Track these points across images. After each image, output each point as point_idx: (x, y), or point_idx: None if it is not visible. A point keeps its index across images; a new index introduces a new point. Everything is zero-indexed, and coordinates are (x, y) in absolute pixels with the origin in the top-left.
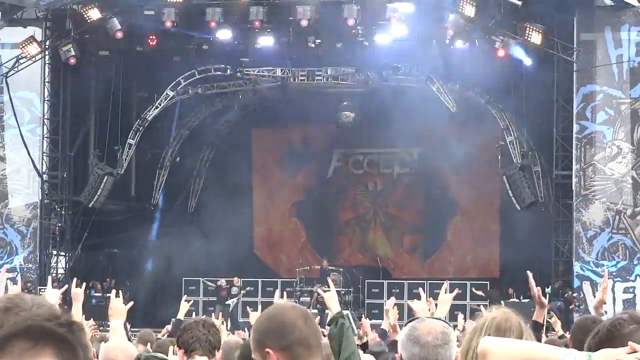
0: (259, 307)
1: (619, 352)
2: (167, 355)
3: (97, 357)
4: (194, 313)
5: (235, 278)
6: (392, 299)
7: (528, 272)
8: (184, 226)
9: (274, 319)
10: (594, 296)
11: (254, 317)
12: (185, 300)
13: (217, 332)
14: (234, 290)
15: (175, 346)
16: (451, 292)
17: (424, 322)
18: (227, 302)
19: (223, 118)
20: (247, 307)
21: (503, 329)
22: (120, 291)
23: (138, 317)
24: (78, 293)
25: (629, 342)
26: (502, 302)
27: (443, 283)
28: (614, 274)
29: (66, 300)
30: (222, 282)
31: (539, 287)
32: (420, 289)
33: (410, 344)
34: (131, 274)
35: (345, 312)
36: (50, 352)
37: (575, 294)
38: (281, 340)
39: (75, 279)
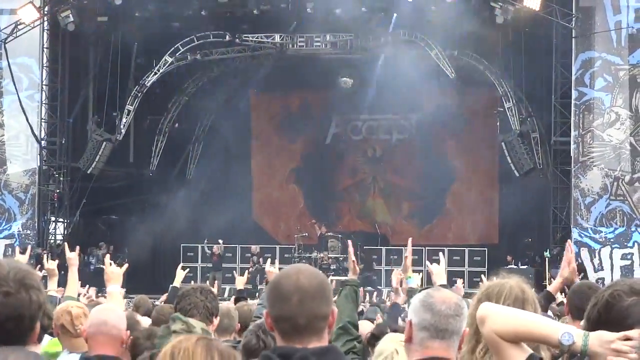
0: (245, 273)
1: (614, 338)
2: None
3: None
4: (192, 280)
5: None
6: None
7: (569, 241)
8: (182, 192)
9: (273, 286)
10: (592, 263)
11: (239, 281)
12: (182, 268)
13: (215, 298)
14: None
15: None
16: (436, 258)
17: (440, 291)
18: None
19: (221, 84)
20: (234, 272)
21: (521, 299)
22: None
23: (137, 284)
24: (72, 257)
25: (624, 333)
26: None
27: (441, 250)
28: (611, 240)
29: (63, 265)
30: (215, 248)
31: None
32: (440, 254)
33: (423, 309)
34: (129, 241)
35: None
36: None
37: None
38: (272, 309)
39: (66, 244)
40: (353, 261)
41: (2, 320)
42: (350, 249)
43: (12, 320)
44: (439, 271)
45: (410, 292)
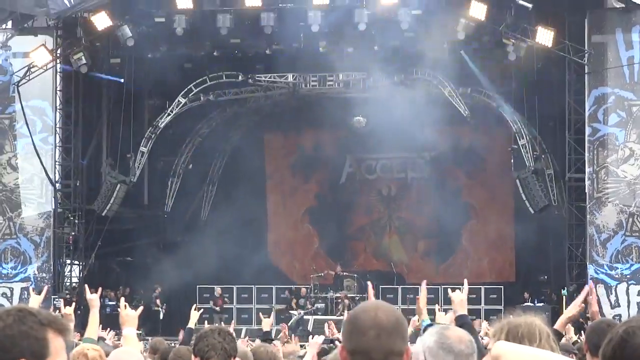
0: (272, 313)
1: None
2: None
3: None
4: (205, 322)
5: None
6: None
7: (591, 282)
8: (197, 234)
9: (351, 319)
10: (609, 299)
11: (266, 323)
12: (196, 309)
13: (233, 339)
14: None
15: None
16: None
17: (449, 329)
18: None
19: (235, 125)
20: (260, 314)
21: (536, 337)
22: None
23: (153, 326)
24: (93, 299)
25: None
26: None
27: (457, 288)
28: (628, 276)
29: (80, 308)
30: (218, 290)
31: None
32: (465, 280)
33: (444, 352)
34: (145, 283)
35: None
36: None
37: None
38: (347, 343)
39: (86, 286)
40: (418, 299)
41: None
42: (371, 291)
43: None
44: (460, 299)
45: None
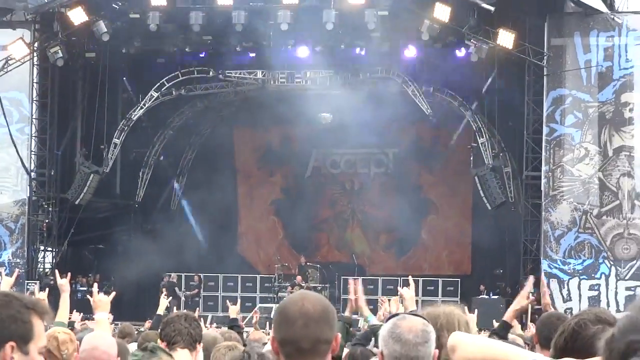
0: (238, 301)
1: None
2: None
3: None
4: (175, 308)
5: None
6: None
7: (530, 279)
8: (167, 223)
9: (280, 311)
10: (561, 293)
11: (232, 310)
12: (164, 296)
13: (199, 325)
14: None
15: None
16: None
17: (405, 319)
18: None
19: (205, 118)
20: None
21: (455, 326)
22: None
23: (122, 312)
24: (63, 284)
25: None
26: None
27: (417, 280)
28: (580, 271)
29: (53, 292)
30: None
31: (532, 296)
32: (410, 277)
33: (392, 341)
34: (115, 270)
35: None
36: None
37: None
38: (277, 333)
39: (56, 271)
40: (355, 299)
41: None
42: (360, 288)
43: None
44: (410, 296)
45: (374, 329)
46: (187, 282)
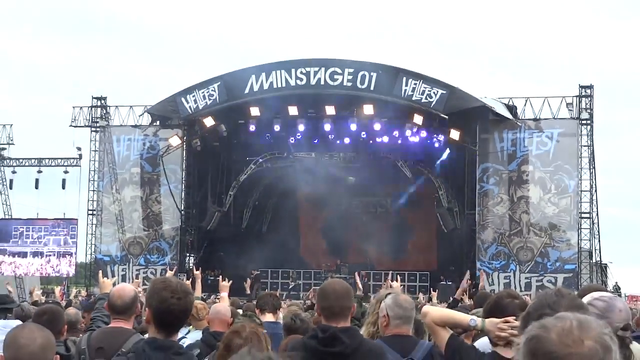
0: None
1: (499, 321)
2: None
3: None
4: (259, 290)
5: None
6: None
7: (467, 272)
8: (259, 242)
9: (321, 289)
10: (488, 281)
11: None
12: (224, 280)
13: (278, 299)
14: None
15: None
16: (395, 279)
17: (400, 295)
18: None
19: (280, 183)
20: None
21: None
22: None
23: (232, 292)
24: (198, 274)
25: (505, 318)
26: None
27: (407, 272)
28: (498, 268)
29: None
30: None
31: (469, 281)
32: (398, 276)
33: (397, 307)
34: (231, 266)
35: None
36: None
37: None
38: (320, 303)
39: (194, 267)
40: (357, 283)
41: (180, 315)
42: (357, 277)
43: (185, 313)
44: (398, 286)
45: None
46: (271, 276)
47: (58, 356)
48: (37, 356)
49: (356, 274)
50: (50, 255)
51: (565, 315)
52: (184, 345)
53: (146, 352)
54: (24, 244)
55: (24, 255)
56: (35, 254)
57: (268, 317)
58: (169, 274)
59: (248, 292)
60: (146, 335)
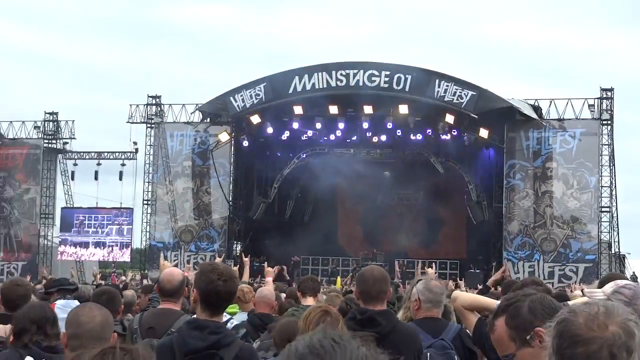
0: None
1: None
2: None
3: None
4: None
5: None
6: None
7: (505, 264)
8: (303, 230)
9: (360, 274)
10: (513, 270)
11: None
12: (269, 266)
13: (319, 283)
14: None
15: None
16: (430, 266)
17: (431, 281)
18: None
19: (324, 175)
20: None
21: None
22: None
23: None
24: (246, 260)
25: None
26: (465, 272)
27: (438, 261)
28: (524, 258)
29: (241, 266)
30: (296, 258)
31: (504, 274)
32: (433, 264)
33: (427, 291)
34: (275, 253)
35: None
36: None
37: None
38: (358, 287)
39: (242, 254)
40: (397, 271)
41: (225, 296)
42: (397, 265)
43: (230, 295)
44: (433, 272)
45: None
46: (312, 262)
47: (116, 334)
48: (96, 333)
49: (396, 262)
50: (112, 245)
51: (595, 302)
52: (231, 326)
53: (184, 330)
54: (85, 234)
55: (85, 245)
56: (97, 245)
57: (309, 301)
58: (218, 260)
59: (287, 278)
60: (194, 316)
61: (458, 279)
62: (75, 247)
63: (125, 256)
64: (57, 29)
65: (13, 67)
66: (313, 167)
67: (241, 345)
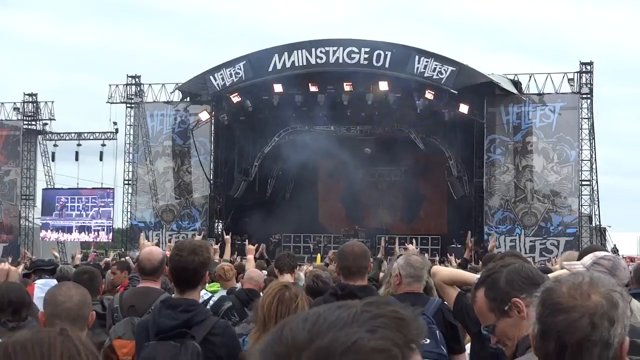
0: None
1: None
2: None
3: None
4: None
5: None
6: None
7: (469, 232)
8: (282, 208)
9: (341, 250)
10: (494, 245)
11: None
12: (250, 244)
13: (295, 259)
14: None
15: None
16: (410, 242)
17: (412, 256)
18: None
19: (300, 154)
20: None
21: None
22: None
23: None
24: (227, 239)
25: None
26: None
27: (419, 236)
28: (505, 232)
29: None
30: (277, 236)
31: (472, 240)
32: (414, 240)
33: (407, 266)
34: (255, 231)
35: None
36: None
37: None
38: (339, 263)
39: (223, 232)
40: (379, 247)
41: (187, 270)
42: (382, 242)
43: (191, 269)
44: (413, 248)
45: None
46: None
47: (94, 312)
48: (74, 312)
49: (382, 239)
50: (98, 230)
51: (582, 272)
52: (212, 302)
53: (157, 309)
54: (67, 218)
55: (69, 230)
56: (81, 229)
57: (286, 278)
58: (197, 238)
59: (265, 256)
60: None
61: (448, 254)
62: (58, 232)
63: (104, 234)
64: (34, 9)
65: None
66: (293, 145)
67: (214, 322)
